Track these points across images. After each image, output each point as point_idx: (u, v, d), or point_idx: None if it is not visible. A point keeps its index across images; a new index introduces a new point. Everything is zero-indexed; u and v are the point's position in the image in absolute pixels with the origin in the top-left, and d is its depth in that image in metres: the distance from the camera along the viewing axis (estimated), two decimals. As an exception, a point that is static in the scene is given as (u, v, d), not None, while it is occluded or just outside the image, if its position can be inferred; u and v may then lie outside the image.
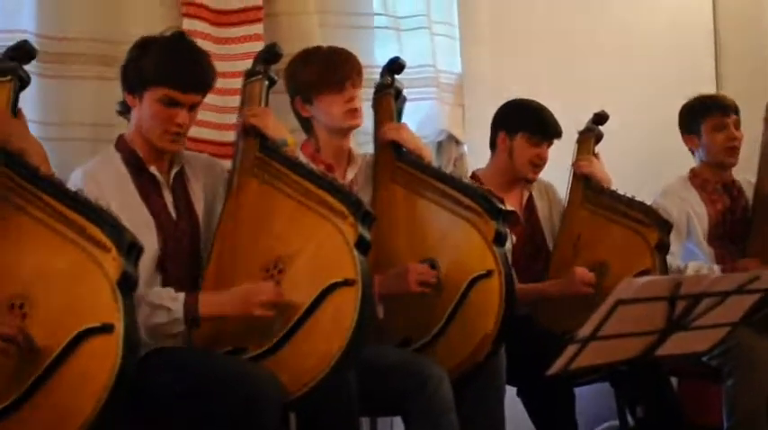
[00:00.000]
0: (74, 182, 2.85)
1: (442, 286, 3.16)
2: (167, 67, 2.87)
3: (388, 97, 3.42)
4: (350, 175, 3.33)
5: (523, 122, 3.79)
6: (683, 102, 4.15)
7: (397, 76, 3.45)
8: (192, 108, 2.93)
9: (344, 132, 3.31)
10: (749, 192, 4.08)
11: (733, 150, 4.03)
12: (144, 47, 2.91)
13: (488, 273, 3.10)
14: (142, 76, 2.88)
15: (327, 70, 3.23)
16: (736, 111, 4.05)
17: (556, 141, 3.81)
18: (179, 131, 2.92)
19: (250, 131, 3.03)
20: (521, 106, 3.85)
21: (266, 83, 3.10)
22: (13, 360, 2.37)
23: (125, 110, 2.99)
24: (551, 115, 3.80)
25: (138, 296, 2.58)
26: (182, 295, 2.81)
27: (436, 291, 3.16)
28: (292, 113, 3.35)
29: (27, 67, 2.73)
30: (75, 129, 3.32)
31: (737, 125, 4.04)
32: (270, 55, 3.13)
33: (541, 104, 3.83)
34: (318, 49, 3.35)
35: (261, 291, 2.79)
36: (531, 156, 3.76)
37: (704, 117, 4.04)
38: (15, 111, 2.67)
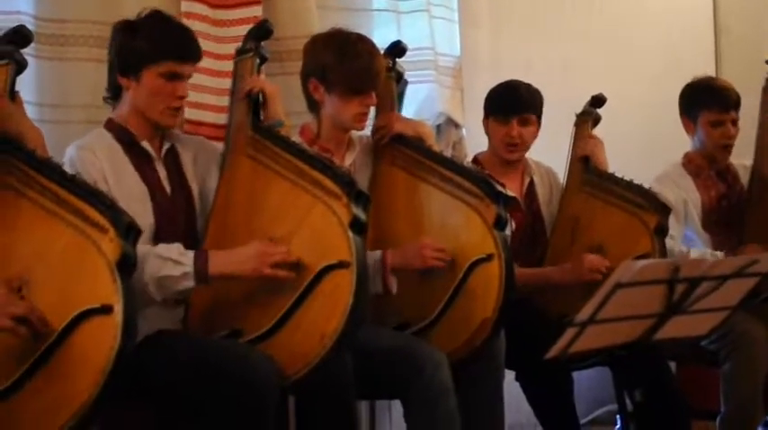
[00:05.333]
0: (69, 157, 2.87)
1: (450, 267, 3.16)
2: (164, 41, 2.91)
3: (389, 81, 3.39)
4: (348, 160, 3.30)
5: (490, 105, 3.77)
6: (682, 84, 4.06)
7: (398, 60, 3.43)
8: (188, 79, 2.97)
9: (347, 129, 3.29)
10: (744, 178, 4.04)
11: (726, 148, 3.97)
12: (132, 29, 2.93)
13: (488, 257, 3.09)
14: (139, 56, 2.90)
15: (358, 77, 3.16)
16: (736, 106, 3.95)
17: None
18: (180, 105, 2.97)
19: (248, 99, 3.01)
20: (492, 91, 3.81)
21: (257, 60, 3.08)
22: (21, 340, 2.36)
23: (113, 96, 3.00)
24: (515, 90, 3.74)
25: (143, 252, 2.63)
26: (191, 251, 2.80)
27: (445, 270, 3.15)
28: (288, 97, 3.33)
29: (24, 48, 2.73)
30: (73, 111, 3.33)
31: (735, 122, 3.96)
32: (261, 31, 3.11)
33: (510, 82, 3.78)
34: (352, 43, 3.20)
35: (272, 252, 2.77)
36: (501, 135, 3.72)
37: (703, 109, 3.95)
38: (13, 95, 2.66)
